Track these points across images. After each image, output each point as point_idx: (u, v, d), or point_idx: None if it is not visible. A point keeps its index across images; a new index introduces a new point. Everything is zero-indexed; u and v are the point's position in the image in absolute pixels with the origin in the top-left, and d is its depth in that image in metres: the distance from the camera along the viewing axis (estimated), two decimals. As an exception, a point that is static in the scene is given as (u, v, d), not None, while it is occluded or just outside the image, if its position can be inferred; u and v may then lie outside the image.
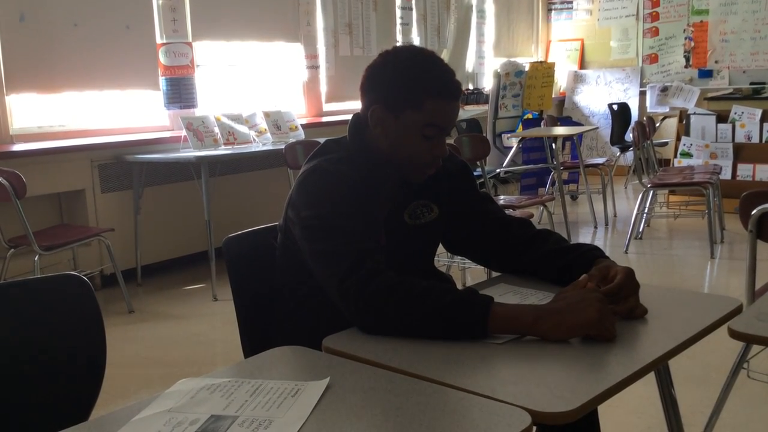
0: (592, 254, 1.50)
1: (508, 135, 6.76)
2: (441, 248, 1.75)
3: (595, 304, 1.24)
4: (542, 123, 6.62)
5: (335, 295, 1.35)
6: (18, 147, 4.15)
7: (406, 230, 1.59)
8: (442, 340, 1.25)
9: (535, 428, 0.97)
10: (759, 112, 6.11)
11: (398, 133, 1.50)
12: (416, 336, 1.27)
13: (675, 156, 6.46)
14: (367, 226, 1.44)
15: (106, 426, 1.00)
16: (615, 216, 6.10)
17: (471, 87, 7.77)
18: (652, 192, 5.15)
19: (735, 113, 6.21)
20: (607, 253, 1.54)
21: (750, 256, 2.40)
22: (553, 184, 5.99)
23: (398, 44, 6.67)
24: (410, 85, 1.48)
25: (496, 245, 1.63)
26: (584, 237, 5.49)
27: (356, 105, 1.60)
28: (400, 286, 1.31)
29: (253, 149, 4.79)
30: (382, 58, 1.53)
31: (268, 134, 5.09)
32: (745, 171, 6.11)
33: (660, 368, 1.49)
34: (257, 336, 1.67)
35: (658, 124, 7.29)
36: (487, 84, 7.79)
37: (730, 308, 1.37)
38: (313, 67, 6.04)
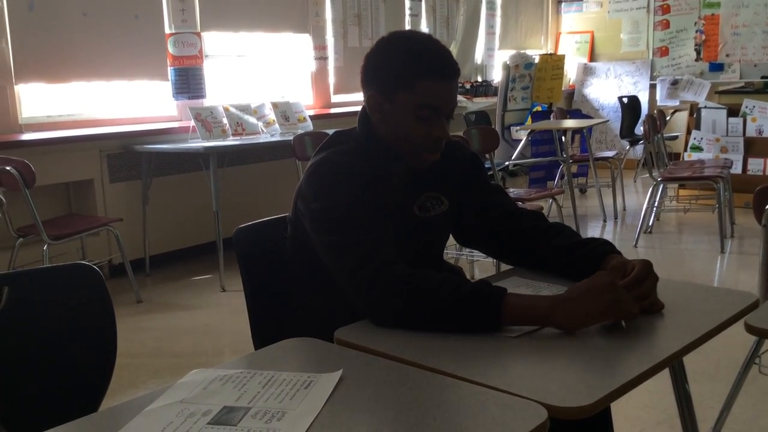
0: (603, 249, 1.48)
1: (517, 128, 6.73)
2: (450, 240, 1.73)
3: (609, 288, 1.23)
4: (551, 116, 6.58)
5: (347, 288, 1.34)
6: (27, 136, 4.15)
7: (416, 223, 1.57)
8: (455, 333, 1.24)
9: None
10: (770, 106, 6.07)
11: (394, 116, 1.48)
12: (429, 329, 1.25)
13: (685, 150, 6.42)
14: (378, 217, 1.42)
15: (118, 417, 0.99)
16: (624, 210, 6.07)
17: (480, 79, 7.73)
18: (662, 186, 5.12)
19: (746, 107, 6.17)
20: (617, 247, 1.52)
21: (763, 251, 2.38)
22: (562, 177, 5.96)
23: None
24: (401, 67, 1.46)
25: (507, 238, 1.61)
26: (593, 231, 5.47)
27: (364, 97, 1.58)
28: (412, 278, 1.30)
29: (261, 140, 4.78)
30: (376, 45, 1.52)
31: (277, 125, 5.08)
32: (756, 165, 6.07)
33: (674, 363, 1.47)
34: (268, 327, 1.66)
35: (668, 118, 7.24)
36: (497, 76, 7.75)
37: (746, 303, 1.35)
38: (322, 59, 6.02)
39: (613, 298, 1.22)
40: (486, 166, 4.69)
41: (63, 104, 4.54)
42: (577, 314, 1.22)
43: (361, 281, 1.31)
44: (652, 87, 8.21)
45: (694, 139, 6.35)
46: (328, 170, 1.47)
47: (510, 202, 1.66)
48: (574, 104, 8.56)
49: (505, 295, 1.25)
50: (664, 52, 8.19)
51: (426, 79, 1.44)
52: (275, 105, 5.17)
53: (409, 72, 1.44)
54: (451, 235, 1.71)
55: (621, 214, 5.94)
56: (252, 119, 4.99)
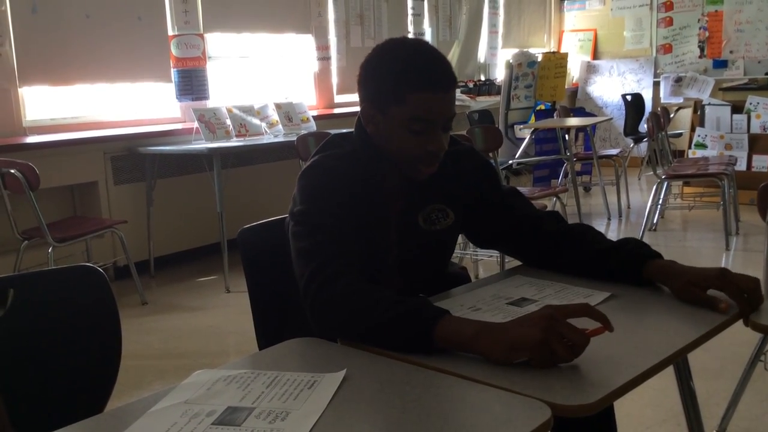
0: (640, 253, 1.44)
1: (521, 126, 6.72)
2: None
3: (542, 322, 1.07)
4: (555, 114, 6.58)
5: (301, 295, 1.32)
6: (31, 139, 4.16)
7: (420, 234, 1.54)
8: (390, 351, 1.17)
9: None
10: (775, 103, 6.04)
11: (387, 130, 1.45)
12: (368, 344, 1.20)
13: (689, 147, 6.41)
14: (361, 225, 1.40)
15: (122, 418, 1.00)
16: (629, 208, 6.06)
17: (483, 78, 7.73)
18: (666, 183, 5.10)
19: (750, 104, 6.15)
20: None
21: (768, 248, 2.38)
22: (566, 175, 5.96)
23: (406, 35, 6.64)
24: (393, 80, 1.41)
25: (527, 241, 1.58)
26: (598, 229, 5.45)
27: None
28: (352, 296, 1.25)
29: (264, 141, 4.78)
30: (370, 55, 1.48)
31: (280, 126, 5.09)
32: (760, 162, 6.05)
33: (679, 361, 1.47)
34: (272, 327, 1.66)
35: (672, 115, 7.23)
36: (500, 75, 7.74)
37: (751, 300, 1.34)
38: (325, 59, 6.02)
39: (541, 337, 1.06)
40: (489, 165, 4.69)
41: (67, 107, 4.55)
42: (498, 344, 1.09)
43: (308, 292, 1.29)
44: (656, 84, 8.19)
45: (698, 136, 6.33)
46: (315, 175, 1.46)
47: (525, 204, 1.62)
48: (577, 102, 8.56)
49: (439, 319, 1.15)
50: (667, 49, 8.17)
51: (418, 92, 1.39)
52: (278, 106, 5.18)
53: (400, 86, 1.40)
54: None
55: (625, 212, 5.94)
56: (255, 120, 4.99)
